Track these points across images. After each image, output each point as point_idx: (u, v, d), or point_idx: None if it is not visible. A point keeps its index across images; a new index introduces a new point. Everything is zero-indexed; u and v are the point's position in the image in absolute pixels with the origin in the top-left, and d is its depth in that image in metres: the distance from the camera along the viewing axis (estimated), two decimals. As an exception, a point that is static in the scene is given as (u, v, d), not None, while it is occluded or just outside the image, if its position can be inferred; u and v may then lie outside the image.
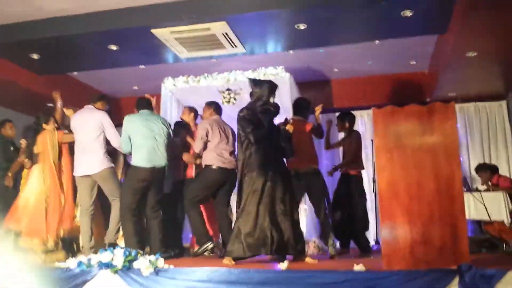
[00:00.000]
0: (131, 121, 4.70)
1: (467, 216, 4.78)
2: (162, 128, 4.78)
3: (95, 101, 5.02)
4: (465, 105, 7.51)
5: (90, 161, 4.68)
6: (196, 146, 4.95)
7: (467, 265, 2.97)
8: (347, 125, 5.71)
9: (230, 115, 7.01)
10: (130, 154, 4.71)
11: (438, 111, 3.35)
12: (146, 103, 4.93)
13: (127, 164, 5.40)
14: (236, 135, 4.43)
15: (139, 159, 4.60)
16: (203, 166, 4.98)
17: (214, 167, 4.85)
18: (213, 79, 6.24)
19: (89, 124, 4.75)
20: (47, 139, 4.88)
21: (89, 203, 4.70)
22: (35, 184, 4.77)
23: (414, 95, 7.11)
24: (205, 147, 4.95)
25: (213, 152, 4.90)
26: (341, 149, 5.99)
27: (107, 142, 4.84)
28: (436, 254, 3.21)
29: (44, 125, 4.99)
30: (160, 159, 4.67)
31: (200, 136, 4.93)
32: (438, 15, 5.09)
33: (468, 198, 5.10)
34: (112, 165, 4.85)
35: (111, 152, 4.97)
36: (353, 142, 5.61)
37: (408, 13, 5.01)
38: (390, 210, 3.27)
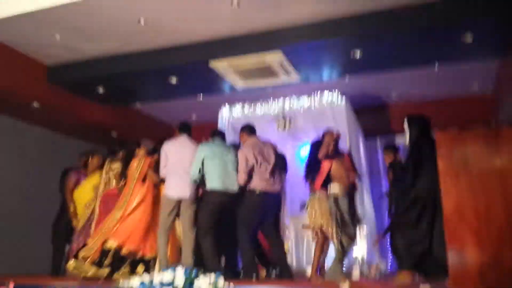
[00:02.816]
0: (204, 149, 4.85)
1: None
2: (232, 155, 4.86)
3: (189, 133, 5.18)
4: (532, 128, 7.10)
5: (184, 186, 4.84)
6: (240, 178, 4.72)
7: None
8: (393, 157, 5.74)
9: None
10: (196, 182, 4.83)
11: (505, 135, 3.22)
12: (219, 132, 5.12)
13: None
14: None
15: (213, 183, 4.71)
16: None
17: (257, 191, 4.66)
18: (268, 107, 6.33)
19: (186, 152, 4.94)
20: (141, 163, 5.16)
21: (169, 225, 4.84)
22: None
23: (477, 119, 6.82)
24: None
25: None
26: None
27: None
28: (508, 278, 3.02)
29: (137, 151, 5.31)
30: (232, 184, 4.75)
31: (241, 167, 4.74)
32: (500, 38, 4.94)
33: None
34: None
35: None
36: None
37: (468, 36, 4.88)
38: (457, 233, 3.14)
